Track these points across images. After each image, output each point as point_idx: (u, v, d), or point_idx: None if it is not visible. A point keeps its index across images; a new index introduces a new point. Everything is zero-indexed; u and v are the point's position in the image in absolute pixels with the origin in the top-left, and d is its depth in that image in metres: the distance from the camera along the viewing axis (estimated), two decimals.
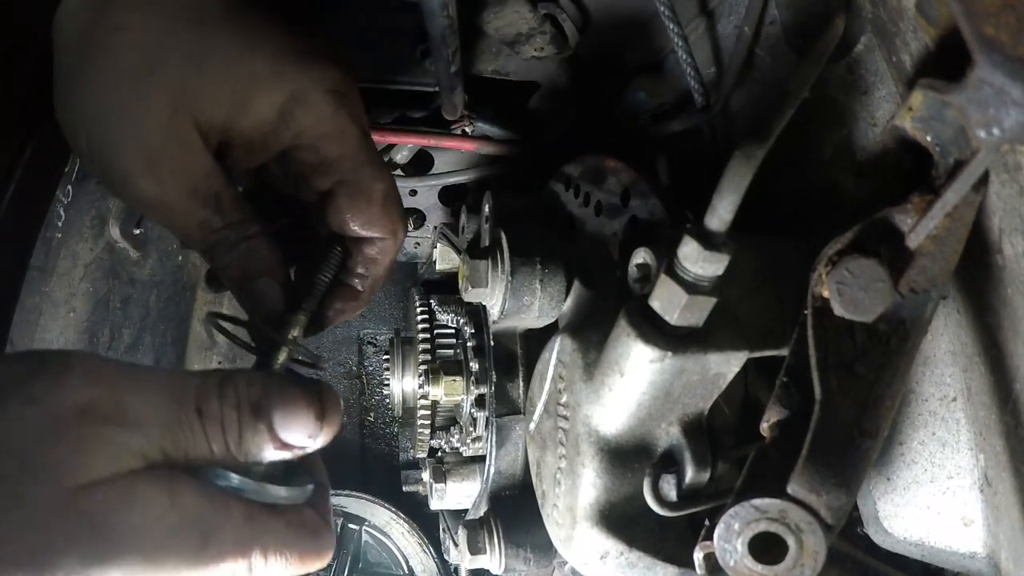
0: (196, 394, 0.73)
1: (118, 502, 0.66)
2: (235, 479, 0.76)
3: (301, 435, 0.77)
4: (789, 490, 0.68)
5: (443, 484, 1.35)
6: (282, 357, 0.94)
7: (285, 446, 0.77)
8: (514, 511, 1.21)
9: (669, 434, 0.87)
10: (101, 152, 0.82)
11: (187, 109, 0.81)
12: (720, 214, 0.70)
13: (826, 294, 0.73)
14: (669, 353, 0.77)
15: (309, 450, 0.79)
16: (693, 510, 0.84)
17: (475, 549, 1.20)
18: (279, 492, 0.79)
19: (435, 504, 1.38)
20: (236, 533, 0.72)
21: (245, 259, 0.88)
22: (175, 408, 0.71)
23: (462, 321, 1.31)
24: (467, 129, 1.51)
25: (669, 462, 0.86)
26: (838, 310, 0.71)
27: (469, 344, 1.25)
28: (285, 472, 0.83)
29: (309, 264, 0.95)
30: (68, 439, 0.66)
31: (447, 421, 1.46)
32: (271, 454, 0.77)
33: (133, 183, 0.81)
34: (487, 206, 1.26)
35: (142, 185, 0.81)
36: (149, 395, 0.71)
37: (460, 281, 1.16)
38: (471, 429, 1.27)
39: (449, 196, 1.79)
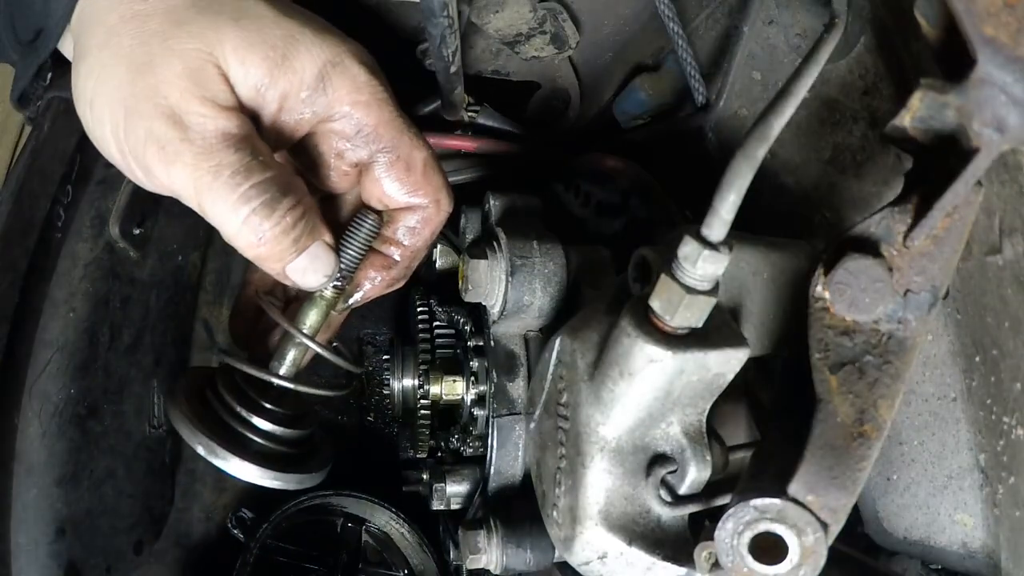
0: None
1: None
2: None
3: None
4: (789, 490, 0.68)
5: (443, 484, 1.34)
6: (292, 352, 0.96)
7: None
8: (514, 511, 1.21)
9: (669, 434, 0.87)
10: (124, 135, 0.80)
11: (217, 62, 0.80)
12: (720, 214, 0.70)
13: (826, 294, 0.73)
14: (669, 353, 0.77)
15: None
16: (693, 510, 0.84)
17: (475, 549, 1.20)
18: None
19: (435, 504, 1.37)
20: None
21: (299, 218, 0.82)
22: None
23: (462, 321, 1.31)
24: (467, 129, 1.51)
25: (669, 462, 0.86)
26: (838, 310, 0.71)
27: (469, 344, 1.25)
28: None
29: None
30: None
31: (447, 421, 1.45)
32: None
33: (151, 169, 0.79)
34: (487, 206, 1.26)
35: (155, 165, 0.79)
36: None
37: (460, 281, 1.16)
38: (471, 429, 1.27)
39: None
